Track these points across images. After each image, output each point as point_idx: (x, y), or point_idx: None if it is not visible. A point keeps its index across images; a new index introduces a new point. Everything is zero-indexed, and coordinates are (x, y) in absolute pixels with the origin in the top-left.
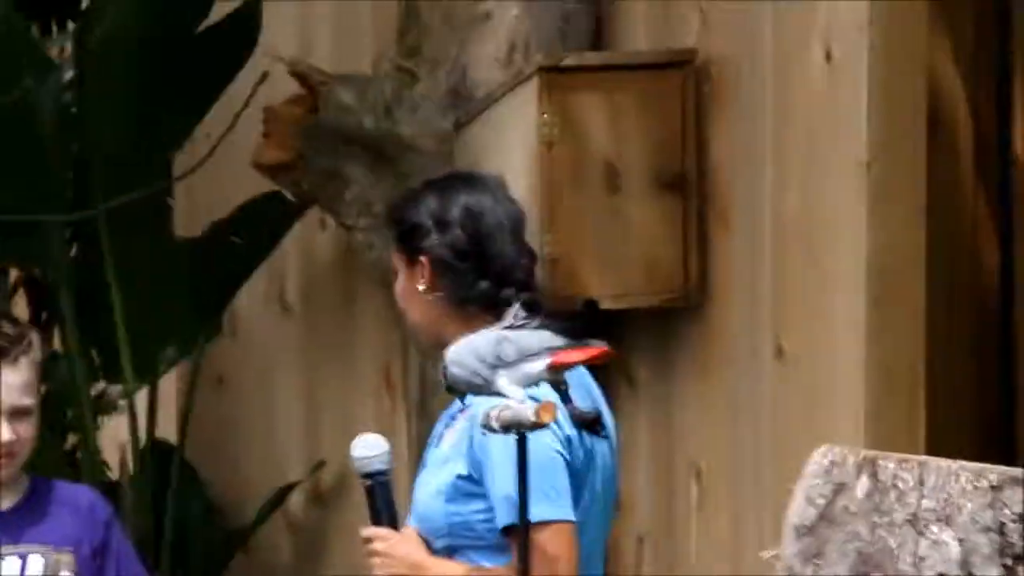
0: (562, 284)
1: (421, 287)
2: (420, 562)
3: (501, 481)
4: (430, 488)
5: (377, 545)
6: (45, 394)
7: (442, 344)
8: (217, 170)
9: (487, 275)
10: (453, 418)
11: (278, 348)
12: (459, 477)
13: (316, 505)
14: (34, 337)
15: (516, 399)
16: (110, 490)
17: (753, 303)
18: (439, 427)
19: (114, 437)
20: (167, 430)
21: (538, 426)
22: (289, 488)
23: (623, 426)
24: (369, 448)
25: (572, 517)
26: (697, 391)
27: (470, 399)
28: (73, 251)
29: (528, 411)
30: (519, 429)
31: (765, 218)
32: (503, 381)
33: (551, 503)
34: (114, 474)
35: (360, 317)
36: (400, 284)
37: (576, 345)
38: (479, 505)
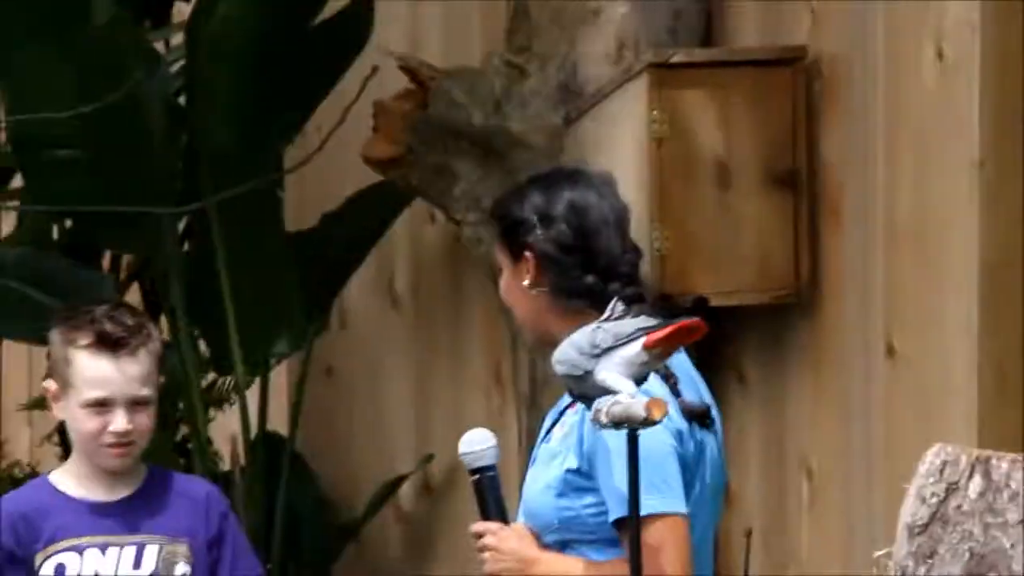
0: (672, 281)
1: (526, 282)
2: (530, 557)
3: (614, 475)
4: (540, 483)
5: (487, 540)
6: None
7: (548, 340)
8: (327, 164)
9: (592, 270)
10: (562, 413)
11: (387, 341)
12: (569, 471)
13: (426, 497)
14: (153, 328)
15: (626, 393)
16: (221, 481)
17: (864, 301)
18: (547, 422)
19: (225, 429)
20: (278, 422)
21: (648, 422)
22: (399, 480)
23: (734, 423)
24: (478, 443)
25: (684, 510)
26: (808, 389)
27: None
28: (185, 244)
29: (639, 407)
30: (629, 425)
31: (877, 216)
32: (604, 372)
33: (663, 496)
34: (225, 465)
35: (469, 311)
36: (505, 280)
37: (668, 323)
38: (590, 499)
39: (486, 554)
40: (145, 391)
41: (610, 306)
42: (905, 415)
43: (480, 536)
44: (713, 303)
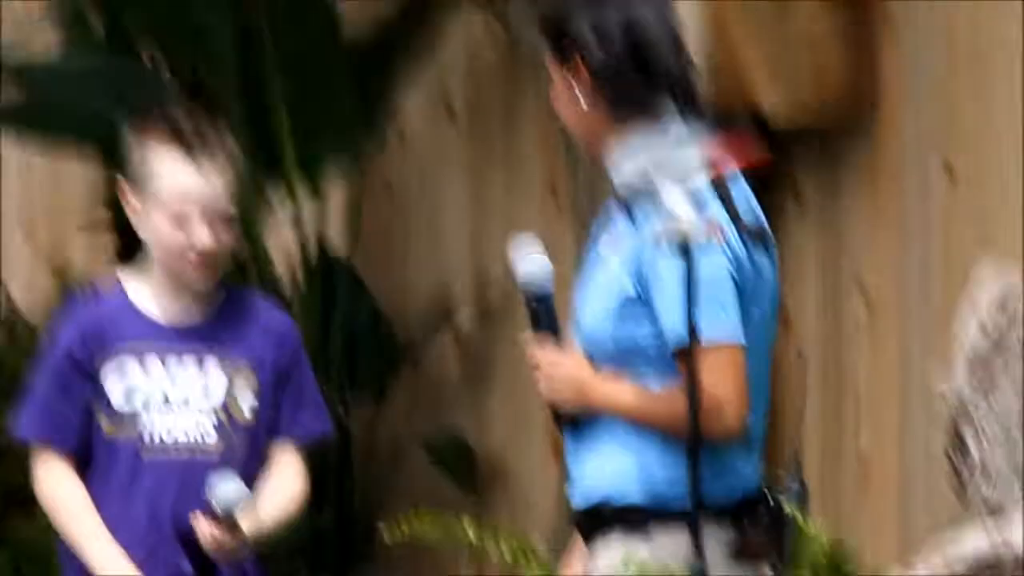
0: (727, 95)
1: (580, 96)
2: (585, 380)
3: (672, 302)
4: (596, 308)
5: (543, 366)
6: None
7: (600, 152)
8: None
9: (648, 84)
10: (614, 224)
11: (444, 155)
12: (627, 299)
13: (483, 318)
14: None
15: (684, 217)
16: (277, 297)
17: (921, 121)
18: (596, 234)
19: (282, 247)
20: (335, 240)
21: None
22: (455, 303)
23: (790, 243)
24: (535, 267)
25: (741, 338)
26: (865, 208)
27: (637, 215)
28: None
29: (697, 230)
30: (687, 247)
31: (935, 36)
32: (669, 194)
33: (721, 324)
34: (282, 287)
35: (525, 125)
36: (556, 92)
37: (729, 153)
38: (647, 326)
39: (541, 381)
40: (227, 204)
41: (672, 123)
42: (963, 234)
43: (535, 358)
44: (770, 125)
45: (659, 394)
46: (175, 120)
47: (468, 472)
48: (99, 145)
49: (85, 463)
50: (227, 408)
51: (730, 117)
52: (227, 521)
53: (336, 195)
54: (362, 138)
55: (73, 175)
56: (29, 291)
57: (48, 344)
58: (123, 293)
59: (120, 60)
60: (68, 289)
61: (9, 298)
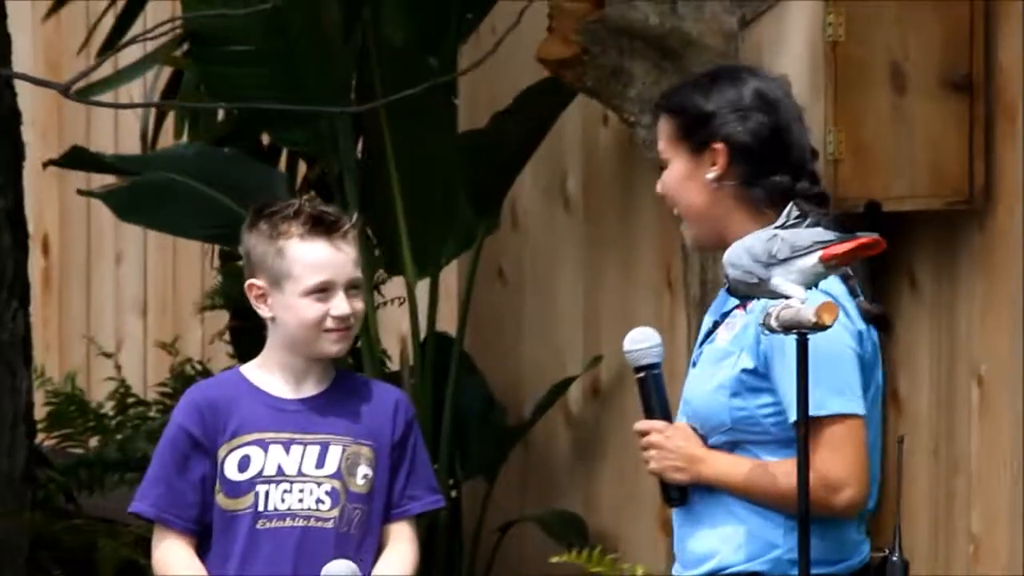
0: (845, 185)
1: (711, 175)
2: (697, 455)
3: (792, 377)
4: (711, 383)
5: (653, 438)
6: None
7: (717, 237)
8: (502, 65)
9: (783, 165)
10: (726, 314)
11: (558, 242)
12: (745, 371)
13: (594, 400)
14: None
15: (796, 298)
16: (391, 380)
17: None
18: (707, 321)
19: (395, 329)
20: (447, 322)
21: (819, 327)
22: (568, 382)
23: (905, 328)
24: (643, 341)
25: (863, 411)
26: (979, 295)
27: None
28: (358, 144)
29: (808, 311)
30: (799, 329)
31: None
32: (778, 279)
33: (844, 397)
34: (394, 365)
35: (640, 213)
36: (676, 174)
37: (846, 238)
38: (765, 399)
39: (651, 452)
40: (359, 273)
41: (786, 211)
42: None
43: (644, 434)
44: (886, 208)
45: (774, 467)
46: (296, 205)
47: (580, 544)
48: (214, 231)
49: (204, 540)
50: (341, 477)
51: (848, 204)
52: None
53: (449, 279)
54: (475, 223)
55: (189, 259)
56: (141, 369)
57: (169, 423)
58: (240, 375)
59: (237, 149)
60: (178, 369)
61: (122, 377)
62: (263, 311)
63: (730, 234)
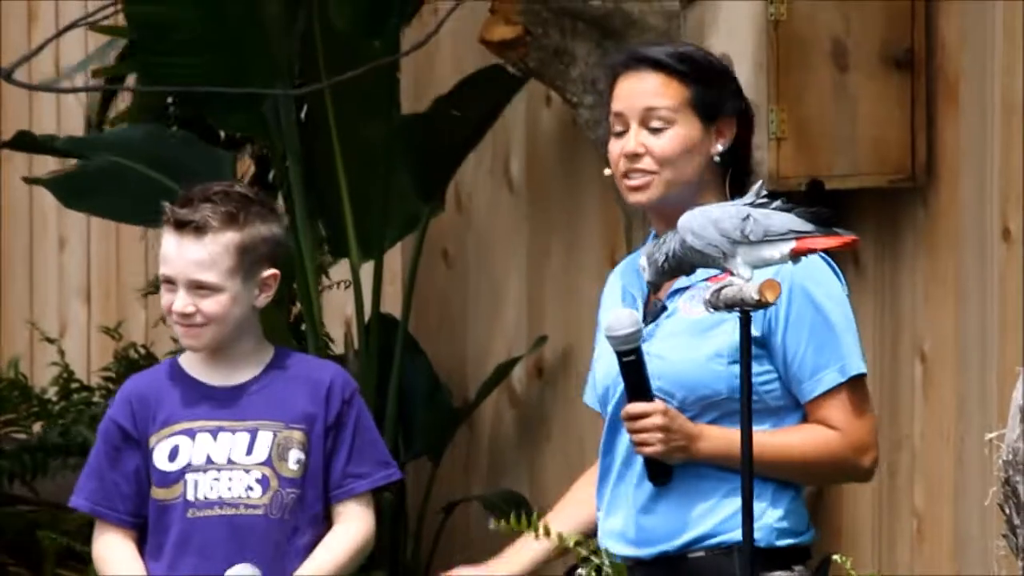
0: (788, 164)
1: (719, 147)
2: (694, 432)
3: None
4: (700, 353)
5: (656, 420)
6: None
7: (683, 208)
8: (444, 47)
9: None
10: (682, 290)
11: (502, 224)
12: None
13: (538, 380)
14: (254, 217)
15: (742, 278)
16: (336, 362)
17: (980, 185)
18: (621, 299)
19: (339, 311)
20: (391, 304)
21: (761, 305)
22: (512, 363)
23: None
24: (629, 324)
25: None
26: (923, 272)
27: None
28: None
29: (751, 289)
30: (743, 307)
31: (994, 98)
32: (739, 260)
33: (861, 357)
34: (338, 347)
35: (584, 195)
36: (683, 141)
37: (823, 232)
38: (765, 367)
39: (656, 435)
40: (207, 277)
41: (755, 189)
42: (1019, 296)
43: (638, 417)
44: (828, 186)
45: (782, 435)
46: (192, 193)
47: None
48: (158, 216)
49: (143, 530)
50: (271, 463)
51: (790, 182)
52: None
53: (393, 261)
54: (419, 206)
55: (132, 244)
56: (85, 354)
57: (103, 417)
58: (176, 365)
59: (182, 132)
60: (122, 353)
61: (66, 362)
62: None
63: (694, 206)
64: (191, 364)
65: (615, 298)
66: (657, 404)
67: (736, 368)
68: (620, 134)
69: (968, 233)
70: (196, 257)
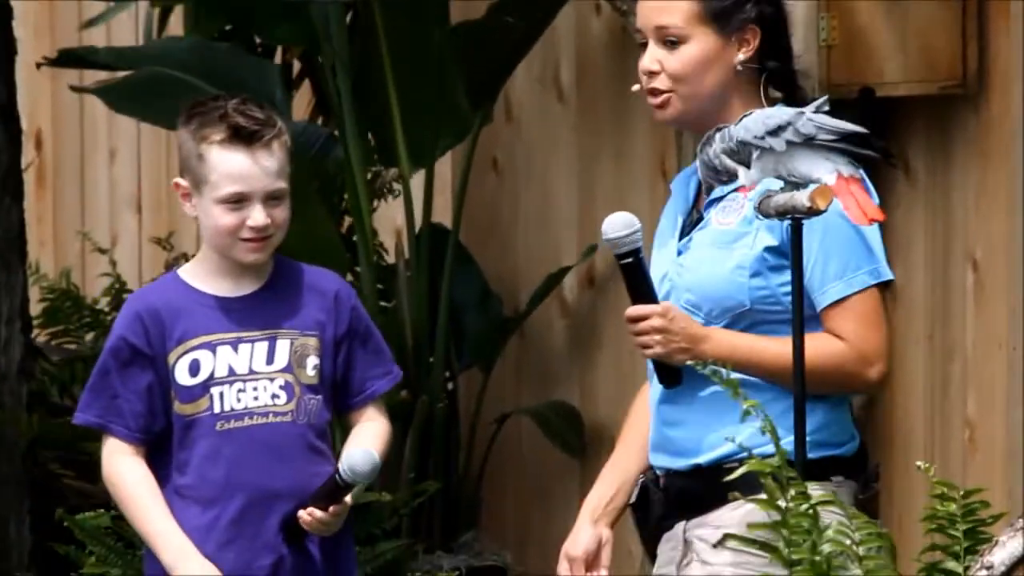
0: (838, 71)
1: (741, 56)
2: (699, 334)
3: (821, 257)
4: (725, 266)
5: (655, 322)
6: (322, 178)
7: (711, 121)
8: None
9: (789, 50)
10: (717, 200)
11: (552, 133)
12: (768, 249)
13: (589, 289)
14: (281, 120)
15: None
16: (387, 273)
17: None
18: (672, 218)
19: (390, 222)
20: (442, 214)
21: (813, 212)
22: (563, 272)
23: (899, 216)
24: (627, 226)
25: (890, 273)
26: (975, 180)
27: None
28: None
29: (803, 196)
30: (794, 215)
31: None
32: (796, 161)
33: (874, 265)
34: (390, 258)
35: (634, 103)
36: (698, 55)
37: (861, 184)
38: (787, 277)
39: (655, 336)
40: (281, 183)
41: (819, 102)
42: None
43: (638, 319)
44: (879, 94)
45: (785, 339)
46: (224, 107)
47: (575, 438)
48: None
49: (157, 447)
50: (292, 370)
51: (841, 90)
52: (345, 491)
53: (444, 171)
54: (469, 115)
55: None
56: (136, 265)
57: (110, 334)
58: (179, 279)
59: (230, 44)
60: (172, 264)
61: (117, 273)
62: (188, 210)
63: (722, 118)
64: (195, 276)
65: (671, 208)
66: (656, 306)
67: (756, 281)
68: (644, 46)
69: (1019, 140)
70: (272, 166)
